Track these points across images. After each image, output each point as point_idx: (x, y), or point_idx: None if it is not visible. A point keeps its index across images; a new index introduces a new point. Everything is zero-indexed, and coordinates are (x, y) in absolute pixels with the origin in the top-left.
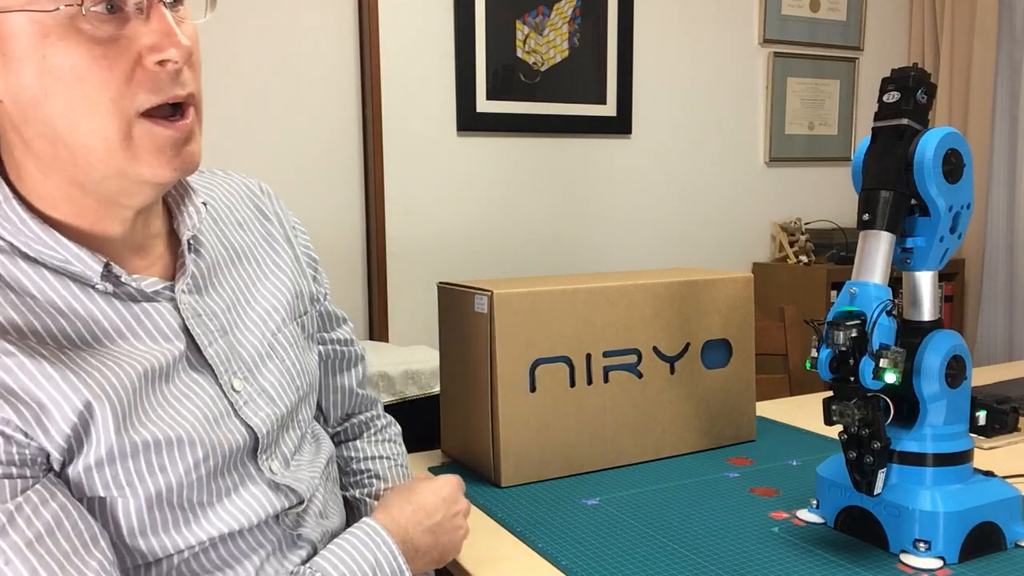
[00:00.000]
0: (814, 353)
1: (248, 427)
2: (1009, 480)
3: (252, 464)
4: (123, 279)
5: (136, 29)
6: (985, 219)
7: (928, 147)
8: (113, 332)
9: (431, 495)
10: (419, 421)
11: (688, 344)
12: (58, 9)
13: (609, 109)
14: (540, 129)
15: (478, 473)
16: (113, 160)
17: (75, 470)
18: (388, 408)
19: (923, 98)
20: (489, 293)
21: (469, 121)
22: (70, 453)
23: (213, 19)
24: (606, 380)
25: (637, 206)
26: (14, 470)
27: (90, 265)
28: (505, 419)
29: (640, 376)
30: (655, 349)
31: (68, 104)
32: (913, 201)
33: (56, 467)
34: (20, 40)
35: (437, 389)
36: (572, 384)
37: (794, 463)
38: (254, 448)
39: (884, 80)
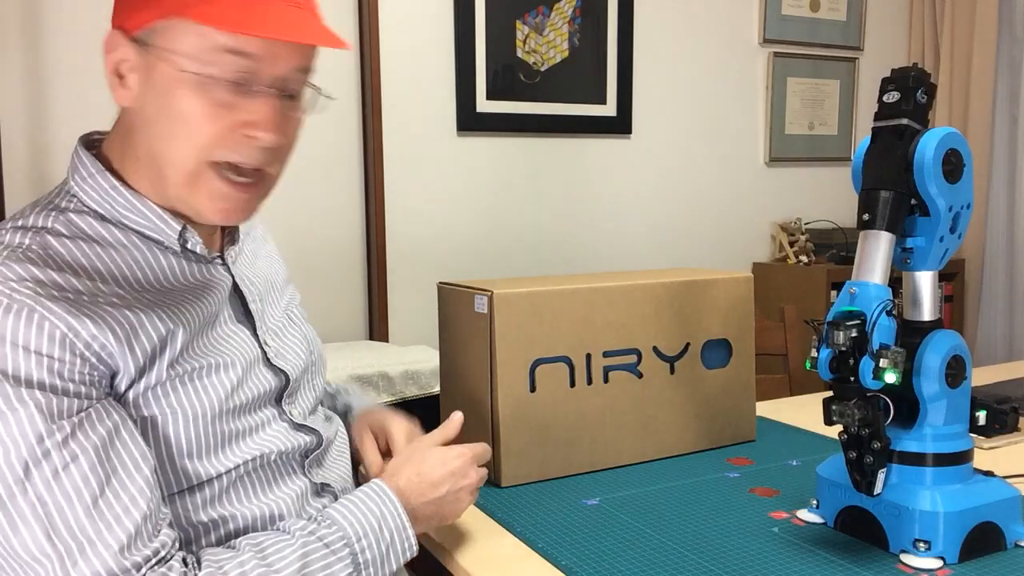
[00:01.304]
0: (814, 353)
1: (276, 374)
2: (1009, 480)
3: (276, 408)
4: (191, 243)
5: (249, 103)
6: (985, 219)
7: (928, 147)
8: (183, 281)
9: (440, 467)
10: (419, 421)
11: (688, 344)
12: (202, 75)
13: (609, 109)
14: (540, 129)
15: None
16: (179, 189)
17: (136, 391)
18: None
19: (923, 98)
20: (489, 293)
21: (469, 121)
22: (140, 372)
23: None
24: (606, 380)
25: (637, 206)
26: (83, 389)
27: (171, 225)
28: (505, 419)
29: (640, 376)
30: (655, 349)
31: (168, 134)
32: (913, 201)
33: (121, 389)
34: (163, 77)
35: (437, 389)
36: (572, 384)
37: (794, 463)
38: (279, 394)
39: (884, 80)
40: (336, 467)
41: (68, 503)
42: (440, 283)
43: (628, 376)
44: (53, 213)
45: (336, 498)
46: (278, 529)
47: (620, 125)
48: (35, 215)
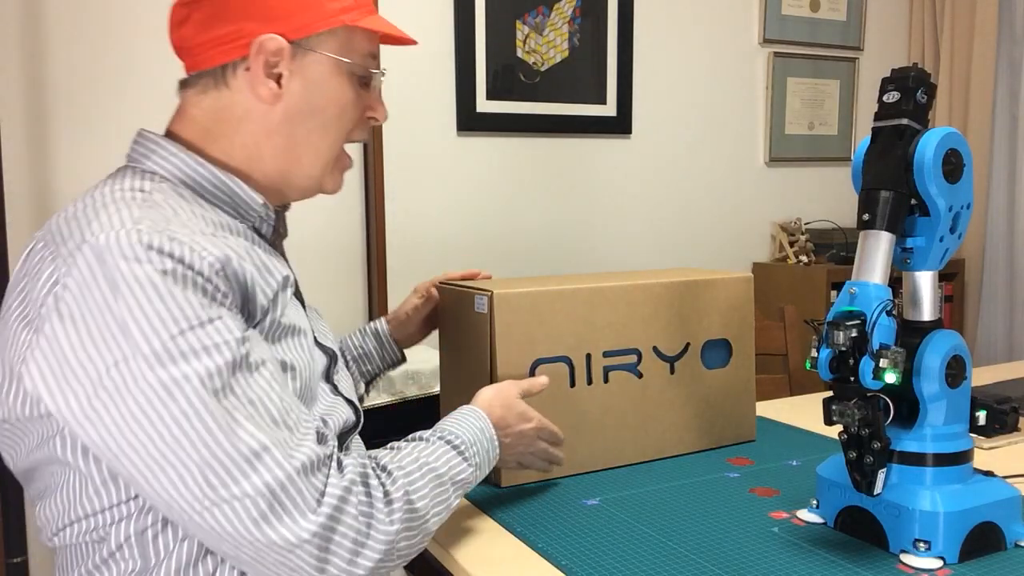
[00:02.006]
0: (814, 353)
1: (324, 351)
2: (1009, 480)
3: (328, 384)
4: (267, 224)
5: (366, 94)
6: (985, 219)
7: (928, 147)
8: (268, 250)
9: (518, 422)
10: (419, 421)
11: (688, 344)
12: (359, 67)
13: (609, 109)
14: (540, 129)
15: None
16: (319, 170)
17: (263, 327)
18: (388, 408)
19: (923, 98)
20: (489, 293)
21: (469, 121)
22: (266, 310)
23: None
24: (606, 380)
25: (637, 206)
26: (239, 316)
27: (255, 199)
28: None
29: (640, 376)
30: (655, 349)
31: (329, 123)
32: (913, 201)
33: (255, 321)
34: (324, 74)
35: (437, 389)
36: (572, 384)
37: (794, 463)
38: (327, 369)
39: (884, 80)
40: (359, 449)
41: (270, 400)
42: (440, 283)
43: (628, 376)
44: (145, 180)
45: None
46: (410, 440)
47: (620, 125)
48: (127, 181)
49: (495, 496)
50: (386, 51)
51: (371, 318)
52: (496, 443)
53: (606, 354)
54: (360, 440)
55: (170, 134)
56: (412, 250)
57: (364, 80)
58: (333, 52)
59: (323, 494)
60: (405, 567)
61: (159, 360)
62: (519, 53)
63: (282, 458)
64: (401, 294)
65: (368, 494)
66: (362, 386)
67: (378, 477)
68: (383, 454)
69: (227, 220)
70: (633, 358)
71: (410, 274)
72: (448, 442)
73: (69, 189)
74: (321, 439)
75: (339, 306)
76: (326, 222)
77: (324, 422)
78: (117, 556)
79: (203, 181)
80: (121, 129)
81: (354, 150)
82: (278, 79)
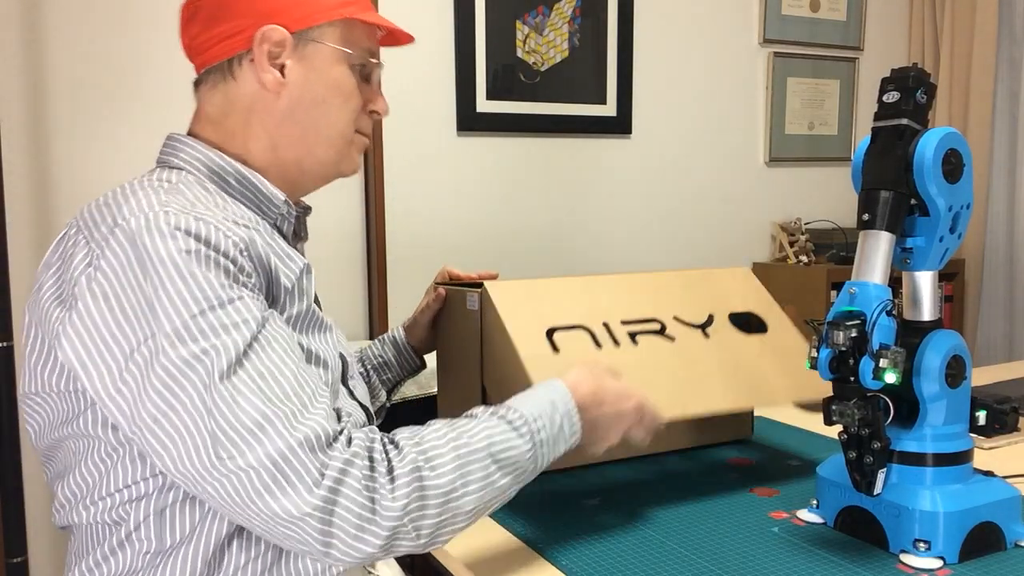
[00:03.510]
0: (814, 353)
1: (339, 357)
2: (1009, 480)
3: (345, 388)
4: (288, 218)
5: (367, 89)
6: (985, 219)
7: (928, 147)
8: (290, 241)
9: (614, 401)
10: (419, 421)
11: (712, 316)
12: (358, 58)
13: (609, 109)
14: (540, 129)
15: None
16: (340, 152)
17: (289, 314)
18: (388, 408)
19: (923, 98)
20: (480, 290)
21: (469, 121)
22: (287, 294)
23: None
24: (635, 342)
25: (637, 206)
26: (261, 297)
27: (277, 195)
28: None
29: (672, 340)
30: (676, 319)
31: (336, 108)
32: (913, 201)
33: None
34: (325, 63)
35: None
36: (598, 346)
37: (794, 463)
38: (343, 374)
39: (884, 80)
40: None
41: (282, 376)
42: (437, 283)
43: (658, 339)
44: (172, 173)
45: None
46: (464, 415)
47: (620, 125)
48: (156, 174)
49: None
50: (386, 51)
51: (371, 318)
52: (575, 420)
53: (624, 322)
54: None
55: (192, 134)
56: (412, 250)
57: (364, 73)
58: (334, 43)
59: (327, 467)
60: (405, 567)
61: (180, 338)
62: (519, 53)
63: (286, 431)
64: (401, 294)
65: (371, 469)
66: (383, 394)
67: (385, 452)
68: (403, 430)
69: (249, 215)
70: (656, 325)
71: (410, 274)
72: (501, 416)
73: (70, 189)
74: (336, 417)
75: (339, 306)
76: (326, 222)
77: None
78: (134, 537)
79: (227, 176)
80: (122, 129)
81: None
82: (281, 68)
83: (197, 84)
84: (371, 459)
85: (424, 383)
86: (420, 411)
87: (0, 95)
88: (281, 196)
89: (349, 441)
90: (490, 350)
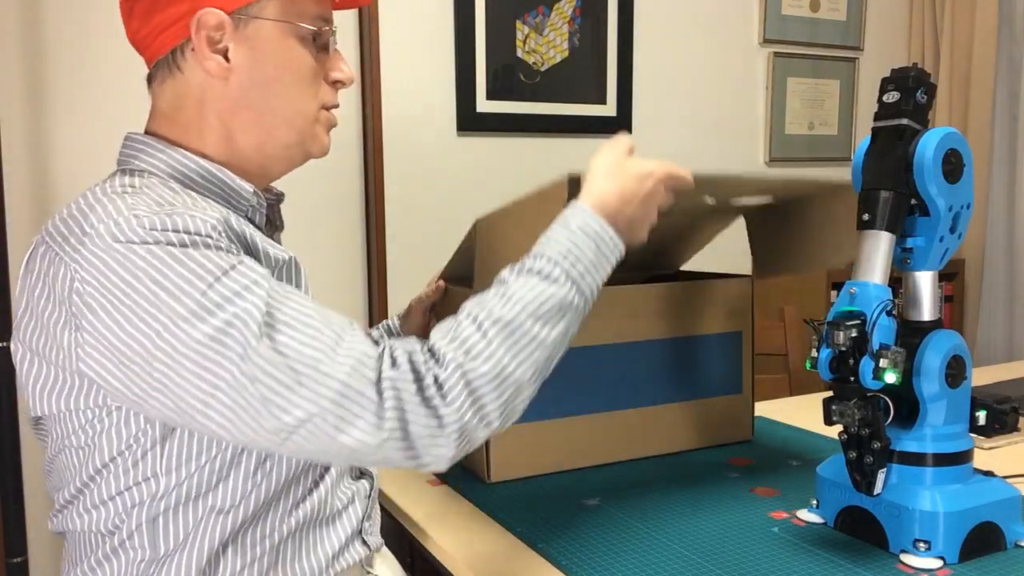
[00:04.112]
0: (814, 353)
1: None
2: (1009, 480)
3: None
4: (258, 209)
5: (328, 59)
6: (985, 219)
7: (928, 147)
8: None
9: (635, 184)
10: None
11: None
12: (308, 28)
13: (609, 109)
14: (540, 129)
15: (472, 472)
16: (303, 132)
17: None
18: None
19: (923, 98)
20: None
21: (469, 121)
22: (275, 271)
23: None
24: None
25: None
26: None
27: (245, 188)
28: None
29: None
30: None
31: (290, 86)
32: (913, 201)
33: None
34: (271, 40)
35: None
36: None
37: (794, 463)
38: None
39: (884, 80)
40: None
41: (308, 318)
42: (438, 277)
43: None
44: (135, 178)
45: (373, 481)
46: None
47: (620, 125)
48: (117, 180)
49: (494, 495)
50: (386, 51)
51: (371, 318)
52: (610, 234)
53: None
54: None
55: (150, 133)
56: (412, 250)
57: (319, 42)
58: (276, 17)
59: (382, 391)
60: (406, 567)
61: (198, 317)
62: (519, 53)
63: (332, 367)
64: (401, 294)
65: (420, 383)
66: None
67: (427, 364)
68: (437, 331)
69: (219, 209)
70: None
71: (410, 274)
72: (528, 271)
73: (70, 189)
74: (371, 342)
75: (339, 306)
76: (325, 222)
77: None
78: (127, 545)
79: (191, 174)
80: (123, 129)
81: (354, 150)
82: (225, 53)
83: (150, 80)
84: (416, 374)
85: None
86: None
87: (1, 95)
88: (249, 188)
89: (393, 362)
90: None
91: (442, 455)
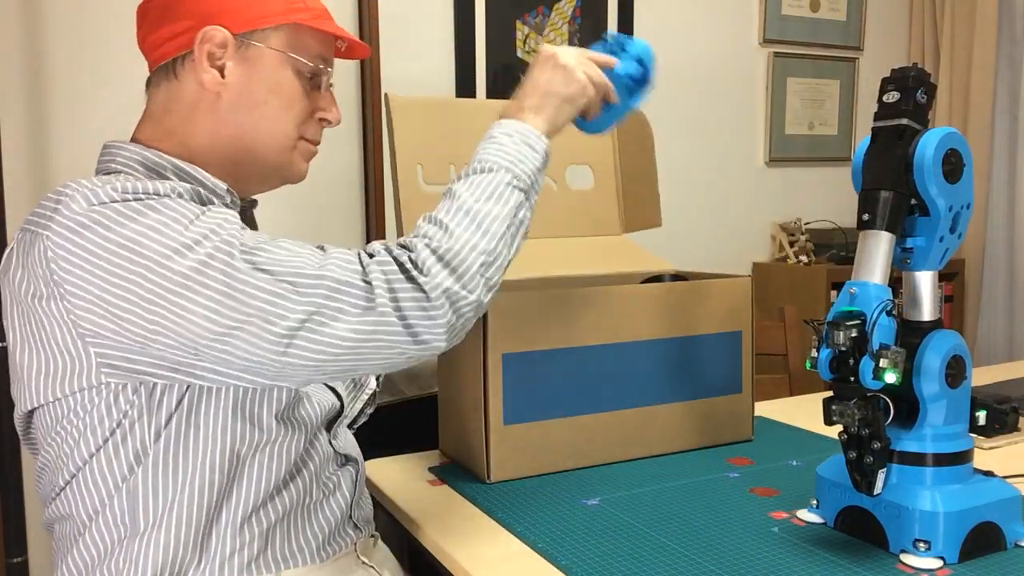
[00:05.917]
0: (814, 353)
1: None
2: (1009, 480)
3: None
4: (233, 202)
5: (319, 97)
6: (985, 219)
7: (928, 147)
8: None
9: (556, 61)
10: (419, 421)
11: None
12: (306, 64)
13: None
14: None
15: (472, 472)
16: (280, 156)
17: None
18: (388, 408)
19: (923, 98)
20: None
21: None
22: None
23: None
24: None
25: None
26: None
27: (218, 184)
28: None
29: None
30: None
31: (276, 112)
32: (913, 201)
33: None
34: (268, 67)
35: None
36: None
37: (794, 463)
38: None
39: (884, 80)
40: (349, 437)
41: (285, 241)
42: None
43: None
44: (111, 175)
45: (358, 467)
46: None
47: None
48: (97, 179)
49: (494, 495)
50: (386, 51)
51: None
52: (526, 126)
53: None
54: (347, 430)
55: (134, 139)
56: None
57: (314, 80)
58: (279, 47)
59: (370, 279)
60: (405, 568)
61: (180, 253)
62: (519, 53)
63: (318, 269)
64: None
65: (401, 267)
66: (373, 380)
67: (402, 250)
68: (410, 235)
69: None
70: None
71: None
72: (467, 174)
73: None
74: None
75: None
76: (326, 222)
77: (310, 398)
78: (109, 522)
79: (163, 171)
80: (123, 129)
81: (355, 151)
82: (222, 70)
83: (148, 85)
84: (395, 260)
85: (424, 383)
86: (420, 411)
87: (1, 95)
88: (223, 185)
89: (371, 255)
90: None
91: (438, 327)
